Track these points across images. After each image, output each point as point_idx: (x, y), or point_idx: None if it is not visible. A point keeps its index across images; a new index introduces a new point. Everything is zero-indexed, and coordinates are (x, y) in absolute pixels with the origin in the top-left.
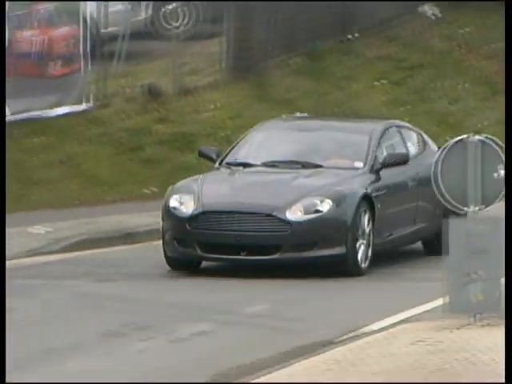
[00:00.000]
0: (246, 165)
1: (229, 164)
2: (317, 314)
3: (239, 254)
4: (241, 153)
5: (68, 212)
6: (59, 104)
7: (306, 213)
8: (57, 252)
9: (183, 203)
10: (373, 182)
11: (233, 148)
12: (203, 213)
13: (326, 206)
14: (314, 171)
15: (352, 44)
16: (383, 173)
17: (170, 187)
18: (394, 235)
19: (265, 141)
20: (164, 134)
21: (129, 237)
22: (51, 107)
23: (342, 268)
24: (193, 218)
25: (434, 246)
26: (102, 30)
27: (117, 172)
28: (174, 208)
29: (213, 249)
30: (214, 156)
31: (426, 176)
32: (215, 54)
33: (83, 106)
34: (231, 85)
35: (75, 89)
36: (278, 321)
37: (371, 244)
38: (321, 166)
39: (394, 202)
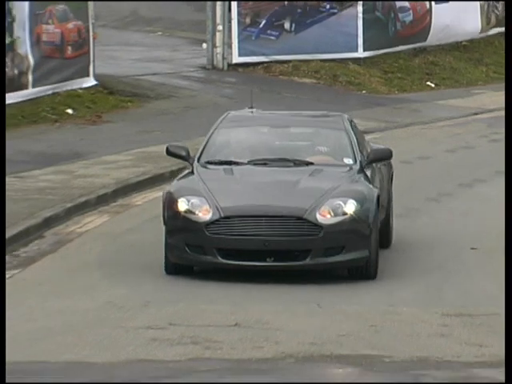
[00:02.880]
0: (230, 163)
1: (209, 162)
2: None
3: (265, 261)
4: (217, 151)
5: None
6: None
7: (334, 215)
8: None
9: (196, 207)
10: (368, 179)
11: (206, 145)
12: (225, 217)
13: (351, 207)
14: (313, 170)
15: None
16: None
17: (167, 191)
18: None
19: (238, 138)
20: None
21: None
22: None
23: (366, 271)
24: (213, 223)
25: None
26: None
27: None
28: (187, 212)
29: (236, 255)
30: (183, 154)
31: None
32: None
33: None
34: None
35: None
36: None
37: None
38: (311, 164)
39: (382, 200)
